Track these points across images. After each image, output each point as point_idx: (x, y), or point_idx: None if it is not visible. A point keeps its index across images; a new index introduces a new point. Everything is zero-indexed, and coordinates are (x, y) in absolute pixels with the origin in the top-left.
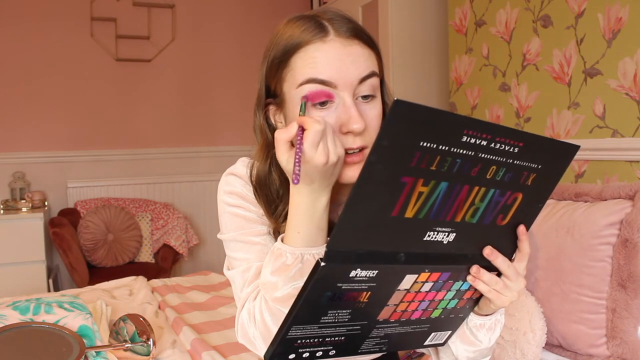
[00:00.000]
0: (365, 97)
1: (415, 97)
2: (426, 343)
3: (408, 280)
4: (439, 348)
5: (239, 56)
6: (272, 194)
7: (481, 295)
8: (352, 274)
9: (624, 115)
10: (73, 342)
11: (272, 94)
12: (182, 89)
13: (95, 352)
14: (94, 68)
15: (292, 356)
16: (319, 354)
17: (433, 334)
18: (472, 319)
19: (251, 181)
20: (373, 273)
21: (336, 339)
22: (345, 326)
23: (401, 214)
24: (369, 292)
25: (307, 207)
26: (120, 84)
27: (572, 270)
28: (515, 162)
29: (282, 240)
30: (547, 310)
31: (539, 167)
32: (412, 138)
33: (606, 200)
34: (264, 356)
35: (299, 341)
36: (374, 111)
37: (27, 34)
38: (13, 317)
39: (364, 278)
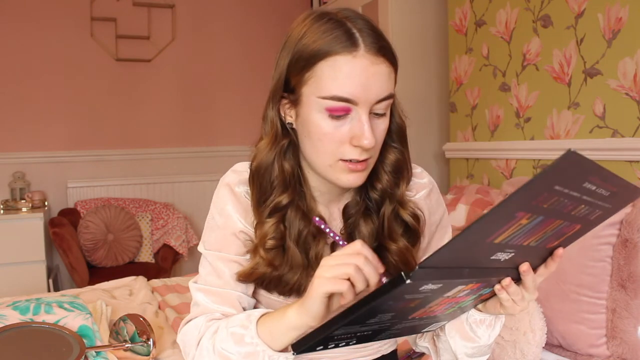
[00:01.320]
0: (377, 114)
1: (416, 97)
2: (422, 330)
3: (456, 290)
4: (438, 345)
5: (239, 56)
6: (266, 183)
7: (490, 297)
8: (422, 287)
9: (624, 115)
10: (73, 342)
11: (289, 89)
12: (182, 89)
13: (95, 352)
14: (94, 68)
15: (319, 348)
16: (342, 344)
17: (433, 324)
18: (473, 314)
19: (250, 168)
20: (437, 286)
21: (365, 332)
22: (380, 324)
23: (493, 240)
24: (421, 300)
25: (281, 311)
26: (120, 84)
27: (572, 270)
28: (599, 202)
29: (257, 329)
30: (547, 310)
31: (608, 206)
32: (553, 182)
33: None
34: (292, 347)
35: (336, 336)
36: (382, 126)
37: (27, 34)
38: (13, 317)
39: (428, 290)
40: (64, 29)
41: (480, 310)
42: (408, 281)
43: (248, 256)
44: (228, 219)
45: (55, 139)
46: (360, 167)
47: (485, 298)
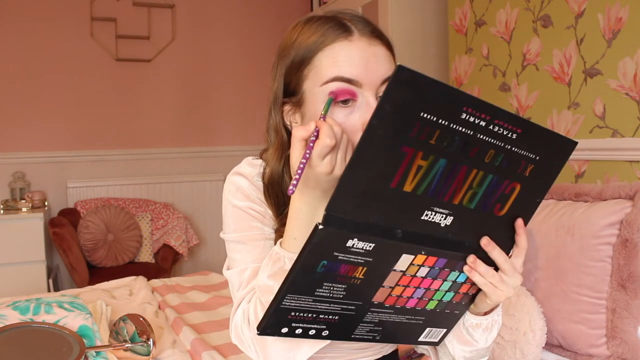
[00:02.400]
0: None
1: None
2: (421, 339)
3: (404, 261)
4: (437, 348)
5: (239, 56)
6: (283, 195)
7: (477, 293)
8: (349, 243)
9: (624, 115)
10: (73, 342)
11: (289, 93)
12: (182, 89)
13: (95, 352)
14: (94, 68)
15: (284, 330)
16: (312, 332)
17: (428, 329)
18: (469, 318)
19: (263, 181)
20: (370, 246)
21: (330, 317)
22: (339, 304)
23: (400, 186)
24: (365, 268)
25: (306, 214)
26: (120, 84)
27: (572, 270)
28: (513, 148)
29: (280, 245)
30: (547, 310)
31: (537, 158)
32: (413, 107)
33: (606, 200)
34: (257, 328)
35: (293, 313)
36: None
37: (27, 33)
38: (13, 317)
39: (361, 250)
40: (64, 29)
41: (474, 312)
42: (321, 226)
43: (272, 229)
44: (247, 197)
45: (55, 139)
46: None
47: (471, 293)
